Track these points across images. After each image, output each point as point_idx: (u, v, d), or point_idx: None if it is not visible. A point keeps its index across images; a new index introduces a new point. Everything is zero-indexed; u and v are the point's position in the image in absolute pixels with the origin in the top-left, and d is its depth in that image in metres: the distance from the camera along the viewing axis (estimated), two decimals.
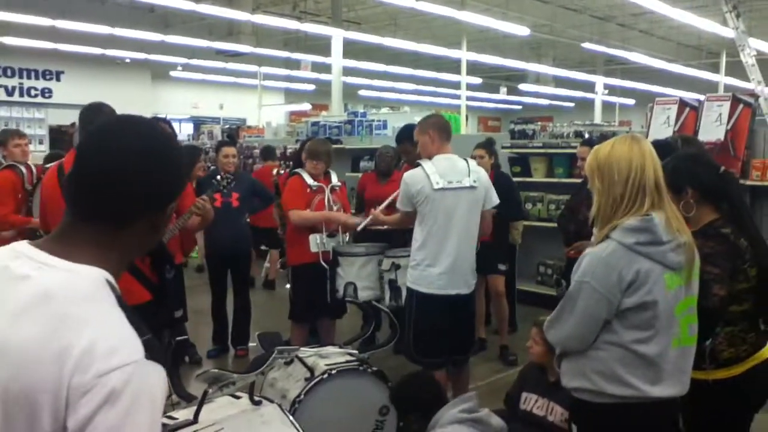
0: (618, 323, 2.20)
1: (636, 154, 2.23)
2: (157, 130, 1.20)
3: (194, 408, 2.40)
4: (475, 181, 3.70)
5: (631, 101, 25.95)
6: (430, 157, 3.72)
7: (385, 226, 4.27)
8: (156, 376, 1.02)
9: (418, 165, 3.69)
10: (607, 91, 24.47)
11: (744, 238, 2.50)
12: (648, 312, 2.17)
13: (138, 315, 1.08)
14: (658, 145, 3.29)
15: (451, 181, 3.62)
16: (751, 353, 2.49)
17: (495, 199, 3.87)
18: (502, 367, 5.31)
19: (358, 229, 4.33)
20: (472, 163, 3.81)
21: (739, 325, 2.48)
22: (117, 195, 1.11)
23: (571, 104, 28.39)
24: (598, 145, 2.38)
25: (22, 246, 1.11)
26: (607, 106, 25.28)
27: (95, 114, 3.34)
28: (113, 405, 0.95)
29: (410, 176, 3.70)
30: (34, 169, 4.97)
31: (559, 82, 24.15)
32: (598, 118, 23.09)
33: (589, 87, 24.22)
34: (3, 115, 16.14)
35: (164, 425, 2.31)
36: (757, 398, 2.55)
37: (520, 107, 30.05)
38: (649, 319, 2.17)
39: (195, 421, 2.34)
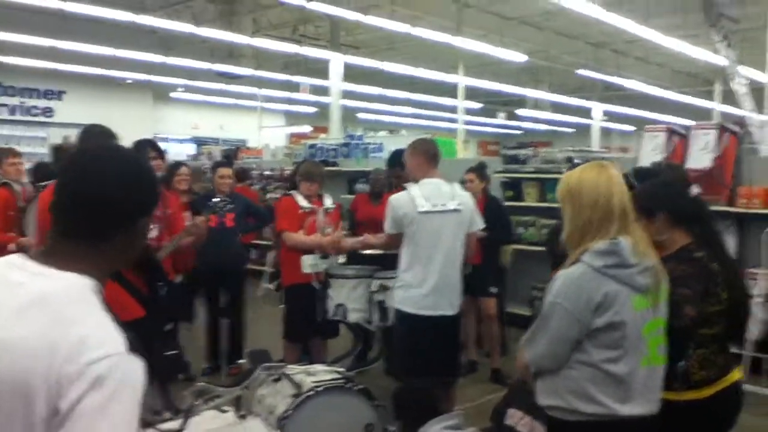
0: (588, 343, 2.28)
1: (603, 180, 2.33)
2: (128, 155, 1.36)
3: (180, 420, 2.47)
4: (459, 204, 3.80)
5: (630, 128, 26.19)
6: (416, 181, 3.83)
7: (377, 250, 4.37)
8: (136, 368, 1.15)
9: (404, 189, 3.81)
10: (606, 118, 24.71)
11: (716, 263, 2.59)
12: (617, 332, 2.26)
13: (129, 327, 1.20)
14: (641, 171, 3.43)
15: (436, 204, 3.73)
16: (720, 376, 2.57)
17: (479, 223, 3.97)
18: (492, 389, 5.36)
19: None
20: (457, 186, 3.91)
21: (710, 348, 2.55)
22: (92, 215, 1.25)
23: (571, 130, 28.64)
24: (568, 171, 2.49)
25: (17, 258, 1.25)
26: (606, 132, 25.52)
27: (94, 135, 3.47)
28: (99, 389, 1.08)
29: (396, 199, 3.81)
30: (29, 188, 5.07)
31: (558, 107, 24.40)
32: (595, 143, 23.31)
33: (587, 113, 24.48)
34: (5, 134, 16.34)
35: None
36: (726, 420, 2.63)
37: (519, 132, 30.31)
38: (618, 339, 2.26)
39: (181, 430, 2.42)
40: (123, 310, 3.28)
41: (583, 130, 26.04)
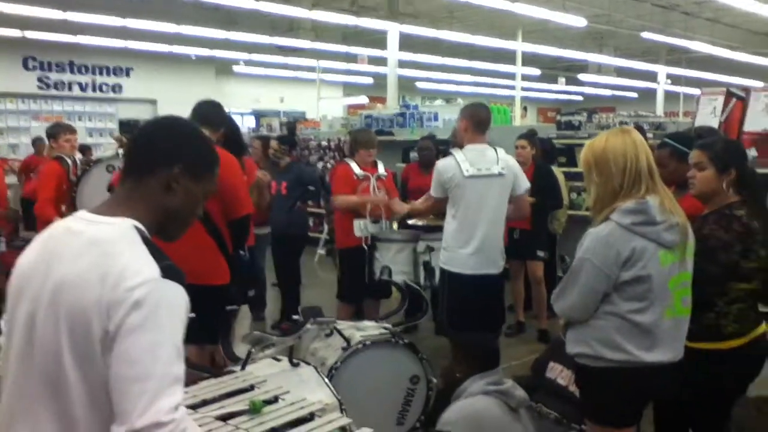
0: (616, 295, 2.42)
1: (629, 145, 2.44)
2: (183, 120, 1.66)
3: (239, 366, 2.73)
4: (503, 169, 3.93)
5: (696, 91, 25.17)
6: (462, 146, 3.96)
7: (426, 222, 4.54)
8: (172, 290, 1.38)
9: (450, 154, 3.95)
10: (670, 81, 23.88)
11: (756, 221, 2.66)
12: (643, 285, 2.39)
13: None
14: (678, 136, 3.49)
15: (480, 169, 3.86)
16: (751, 329, 2.68)
17: (525, 184, 4.08)
18: (538, 348, 5.49)
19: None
20: (501, 151, 4.03)
21: (747, 302, 2.67)
22: (141, 151, 1.55)
23: (635, 94, 27.82)
24: (591, 139, 2.59)
25: (82, 212, 1.53)
26: (672, 96, 24.67)
27: (212, 109, 3.90)
28: (138, 310, 1.32)
29: (442, 164, 3.96)
30: (78, 163, 5.21)
31: (622, 72, 23.70)
32: (660, 108, 22.62)
33: (653, 77, 23.70)
34: (77, 110, 17.07)
35: (215, 374, 2.66)
36: (751, 368, 2.73)
37: (581, 98, 29.63)
38: (644, 292, 2.39)
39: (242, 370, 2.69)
40: (219, 273, 3.48)
41: (648, 95, 25.25)
